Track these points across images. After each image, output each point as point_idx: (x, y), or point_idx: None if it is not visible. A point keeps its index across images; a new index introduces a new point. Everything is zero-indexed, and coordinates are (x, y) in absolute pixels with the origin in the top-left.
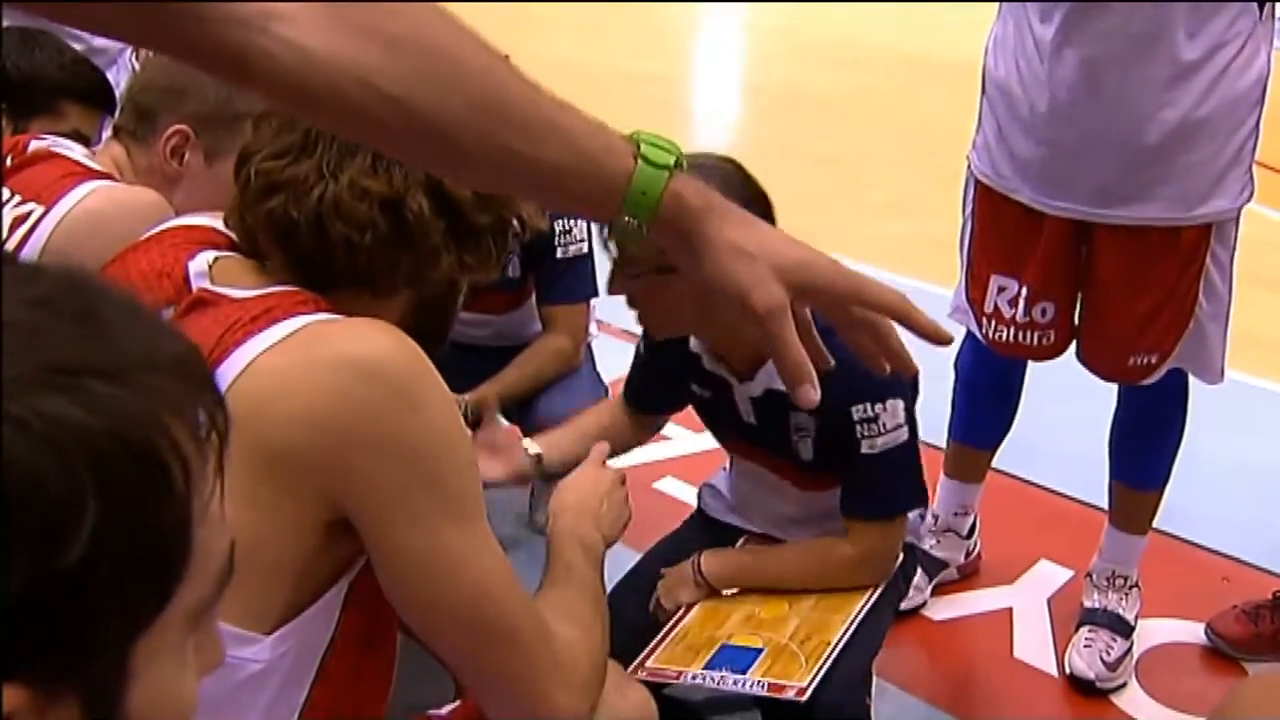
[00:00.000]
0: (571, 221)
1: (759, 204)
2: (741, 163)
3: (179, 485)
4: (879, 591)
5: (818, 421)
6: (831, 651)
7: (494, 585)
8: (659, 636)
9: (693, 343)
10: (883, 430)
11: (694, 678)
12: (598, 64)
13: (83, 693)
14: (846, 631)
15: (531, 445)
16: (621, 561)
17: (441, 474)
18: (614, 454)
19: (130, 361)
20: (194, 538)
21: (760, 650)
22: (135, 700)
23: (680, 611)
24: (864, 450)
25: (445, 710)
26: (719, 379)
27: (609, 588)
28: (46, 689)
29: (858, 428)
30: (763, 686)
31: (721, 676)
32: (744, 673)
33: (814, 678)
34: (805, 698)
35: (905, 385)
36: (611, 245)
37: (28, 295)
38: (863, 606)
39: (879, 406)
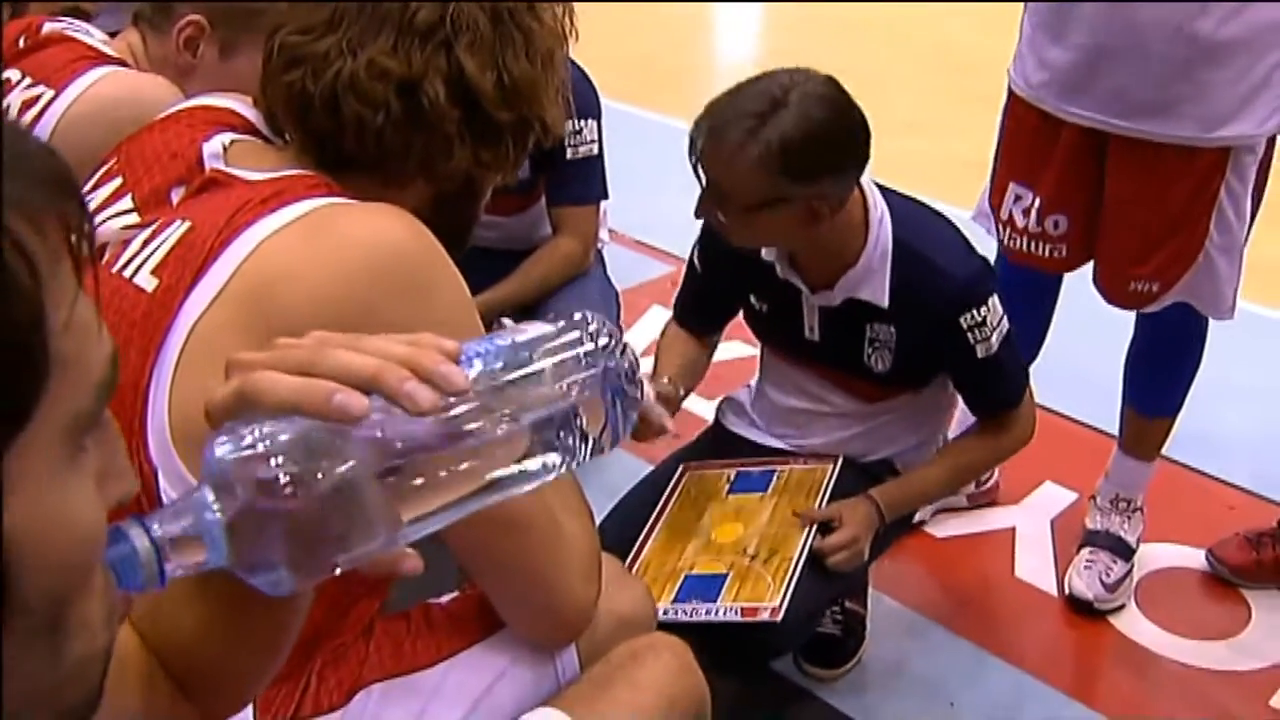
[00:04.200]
0: (582, 121)
1: (859, 135)
2: None
3: (25, 285)
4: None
5: (914, 334)
6: (795, 566)
7: None
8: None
9: (764, 251)
10: (992, 329)
11: (665, 612)
12: None
13: None
14: (806, 544)
15: (662, 378)
16: (634, 470)
17: None
18: (697, 382)
19: None
20: (53, 346)
21: (725, 575)
22: (14, 520)
23: (640, 540)
24: (981, 355)
25: (445, 599)
26: (788, 288)
27: (622, 495)
28: None
29: (969, 335)
30: (736, 612)
31: (693, 608)
32: (714, 600)
33: (785, 596)
34: (780, 616)
35: (993, 275)
36: (701, 172)
37: None
38: (819, 519)
39: (983, 309)
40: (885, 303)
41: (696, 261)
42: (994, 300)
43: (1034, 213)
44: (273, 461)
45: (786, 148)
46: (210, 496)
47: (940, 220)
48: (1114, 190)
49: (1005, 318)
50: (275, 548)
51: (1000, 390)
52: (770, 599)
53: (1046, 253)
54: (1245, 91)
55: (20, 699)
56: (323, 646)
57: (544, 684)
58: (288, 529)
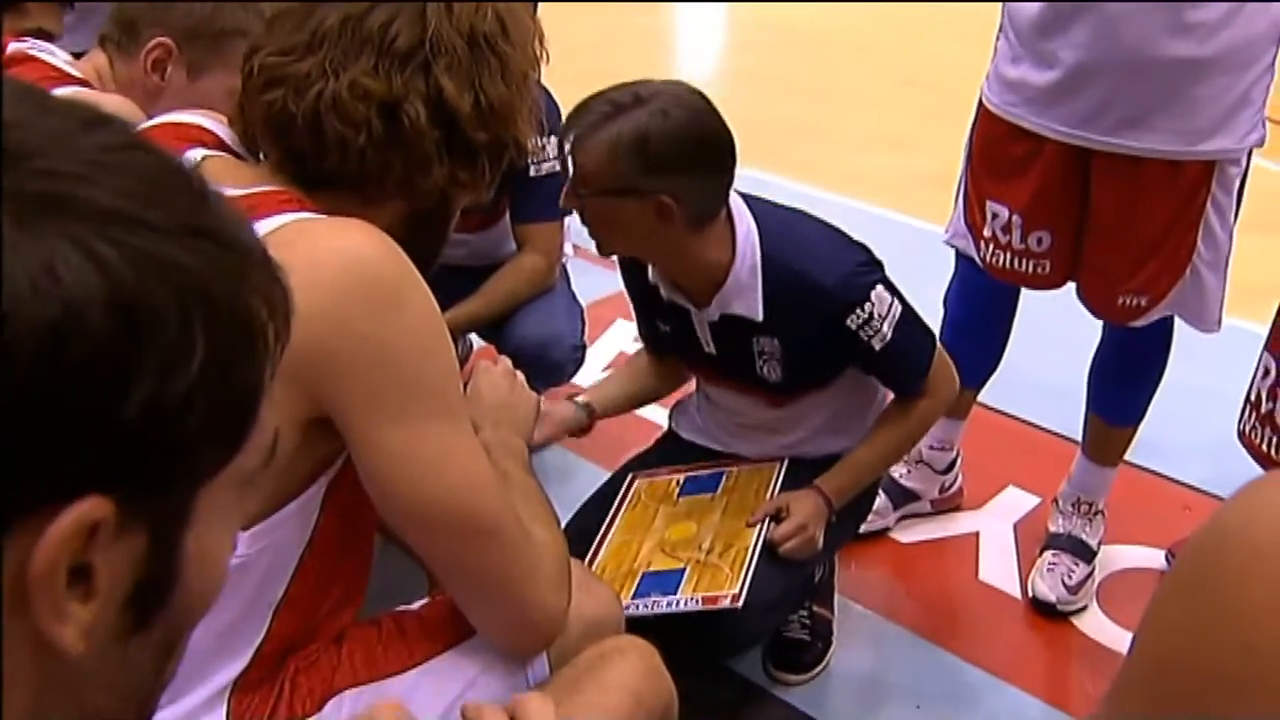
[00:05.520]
0: (544, 139)
1: (718, 141)
2: (728, 93)
3: (260, 351)
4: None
5: (799, 344)
6: (752, 555)
7: (477, 483)
8: None
9: (650, 274)
10: (882, 319)
11: (626, 608)
12: None
13: (153, 523)
14: (760, 535)
15: (580, 396)
16: (598, 479)
17: (424, 372)
18: (655, 397)
19: (233, 238)
20: (260, 406)
21: (682, 570)
22: (189, 545)
23: (594, 547)
24: (879, 347)
25: (416, 606)
26: (678, 308)
27: (581, 503)
28: (128, 511)
29: (860, 334)
30: (697, 602)
31: (654, 601)
32: (674, 593)
33: (744, 582)
34: (740, 603)
35: (872, 267)
36: (570, 161)
37: (165, 164)
38: (768, 511)
39: (868, 305)
40: (760, 316)
41: (626, 292)
42: (877, 292)
43: (1015, 229)
44: None
45: (639, 137)
46: None
47: (811, 227)
48: (1099, 205)
49: (896, 301)
50: None
51: (910, 368)
52: (730, 587)
53: (1030, 269)
54: (1228, 106)
55: (119, 701)
56: (295, 654)
57: (515, 690)
58: None
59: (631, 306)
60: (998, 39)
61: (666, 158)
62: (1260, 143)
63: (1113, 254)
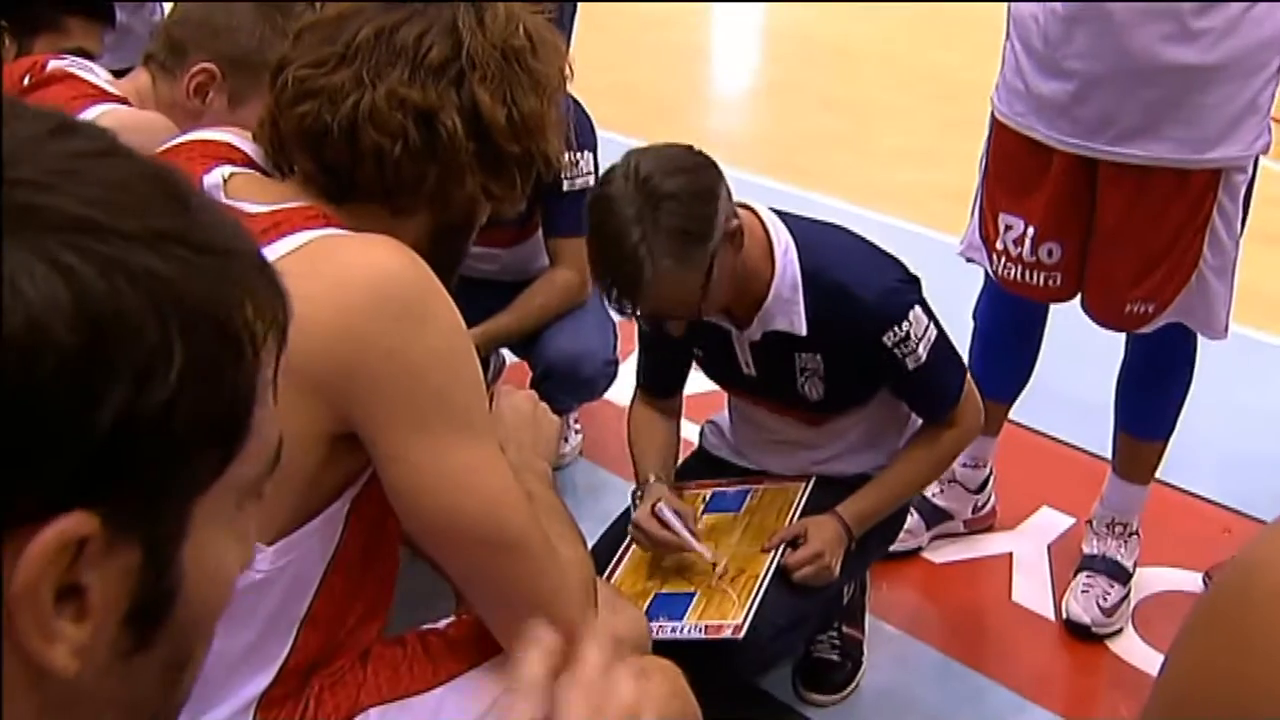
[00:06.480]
0: (579, 154)
1: (708, 171)
2: (757, 106)
3: (248, 358)
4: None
5: (840, 359)
6: (760, 585)
7: (503, 499)
8: None
9: None
10: (918, 341)
11: None
12: (615, 5)
13: (145, 537)
14: (773, 562)
15: (652, 478)
16: (623, 493)
17: (449, 389)
18: (676, 459)
19: (216, 243)
20: (254, 415)
21: (692, 595)
22: (187, 559)
23: (613, 563)
24: (911, 367)
25: (442, 624)
26: (718, 329)
27: (613, 519)
28: (116, 525)
29: (895, 352)
30: (700, 630)
31: (659, 626)
32: (680, 619)
33: (748, 614)
34: (742, 634)
35: (911, 285)
36: (643, 318)
37: (142, 170)
38: (785, 538)
39: (905, 324)
40: (803, 331)
41: (644, 329)
42: (915, 312)
43: (1027, 241)
44: None
45: (676, 233)
46: None
47: (849, 240)
48: (1106, 213)
49: (932, 324)
50: None
51: (940, 394)
52: (734, 617)
53: (1041, 281)
54: (1234, 114)
55: (125, 719)
56: (321, 670)
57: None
58: None
59: (640, 339)
60: (1004, 49)
61: (703, 220)
62: (1266, 149)
63: (1119, 261)
